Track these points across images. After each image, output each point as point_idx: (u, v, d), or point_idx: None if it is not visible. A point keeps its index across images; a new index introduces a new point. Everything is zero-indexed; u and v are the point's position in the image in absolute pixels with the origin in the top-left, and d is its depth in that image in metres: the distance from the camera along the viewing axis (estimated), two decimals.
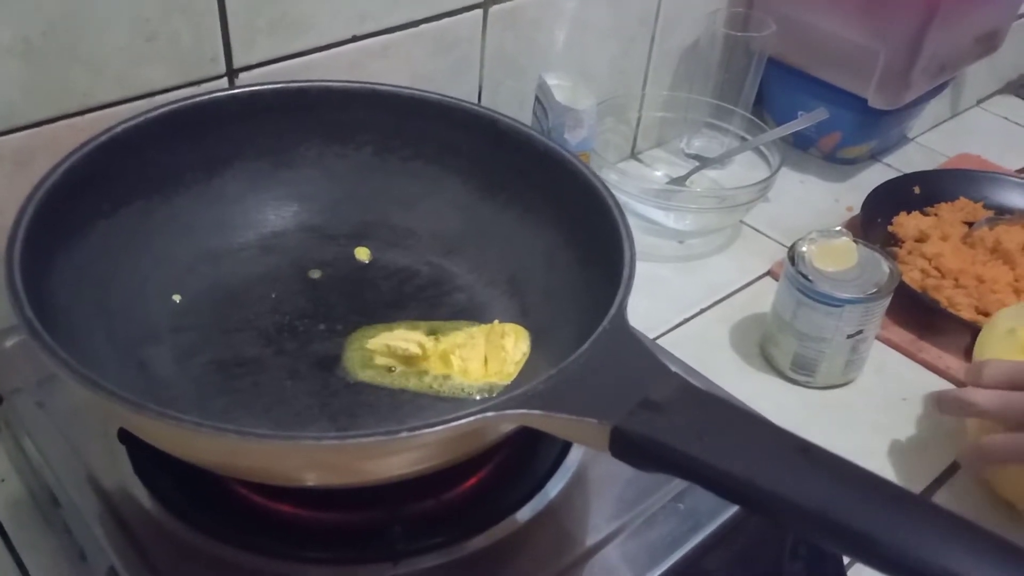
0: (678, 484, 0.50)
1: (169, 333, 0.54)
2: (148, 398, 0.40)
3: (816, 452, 0.38)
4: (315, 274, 0.60)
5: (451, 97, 0.60)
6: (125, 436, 0.49)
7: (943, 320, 0.74)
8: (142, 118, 0.53)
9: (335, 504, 0.48)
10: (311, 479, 0.44)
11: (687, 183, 0.90)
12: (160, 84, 0.60)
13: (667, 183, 0.91)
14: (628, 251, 0.48)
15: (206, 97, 0.57)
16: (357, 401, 0.52)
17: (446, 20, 0.73)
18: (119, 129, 0.52)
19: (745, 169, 0.91)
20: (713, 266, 0.83)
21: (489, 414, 0.40)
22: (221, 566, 0.45)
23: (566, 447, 0.52)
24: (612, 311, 0.45)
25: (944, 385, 0.72)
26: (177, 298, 0.56)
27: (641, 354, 0.43)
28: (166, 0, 0.57)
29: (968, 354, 0.73)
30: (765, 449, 0.38)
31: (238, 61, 0.63)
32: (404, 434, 0.39)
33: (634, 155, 0.98)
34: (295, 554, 0.46)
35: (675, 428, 0.39)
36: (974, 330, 0.73)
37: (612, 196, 0.52)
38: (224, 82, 0.63)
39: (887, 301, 0.66)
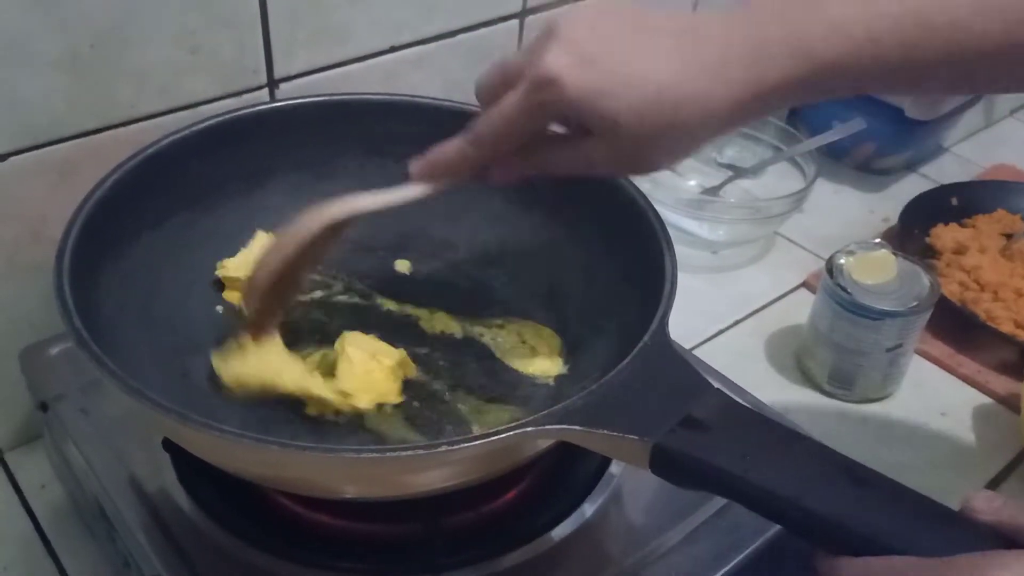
0: (719, 500, 0.49)
1: (212, 343, 0.54)
2: (190, 408, 0.40)
3: (863, 472, 0.38)
4: (356, 285, 0.60)
5: None
6: (169, 444, 0.49)
7: (982, 333, 0.74)
8: (187, 131, 0.54)
9: (375, 516, 0.48)
10: (351, 491, 0.45)
11: (720, 193, 0.90)
12: (202, 95, 0.60)
13: (700, 193, 0.90)
14: (669, 266, 0.48)
15: (250, 110, 0.57)
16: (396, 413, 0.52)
17: (483, 30, 0.73)
18: (165, 142, 0.53)
19: (778, 179, 0.90)
20: (747, 277, 0.83)
21: (528, 429, 0.40)
22: (262, 575, 0.46)
23: (604, 462, 0.52)
24: (653, 326, 0.45)
25: (984, 399, 0.71)
26: (220, 308, 0.56)
27: (683, 370, 0.43)
28: (210, 13, 0.58)
29: (1007, 368, 0.72)
30: (810, 469, 0.38)
31: (279, 72, 0.63)
32: (443, 448, 0.40)
33: None
34: (335, 565, 0.46)
35: (718, 447, 0.39)
36: (1013, 344, 0.72)
37: (653, 210, 0.52)
38: (264, 93, 0.63)
39: (927, 315, 0.66)
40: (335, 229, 0.48)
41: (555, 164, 0.46)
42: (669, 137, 0.42)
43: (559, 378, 0.55)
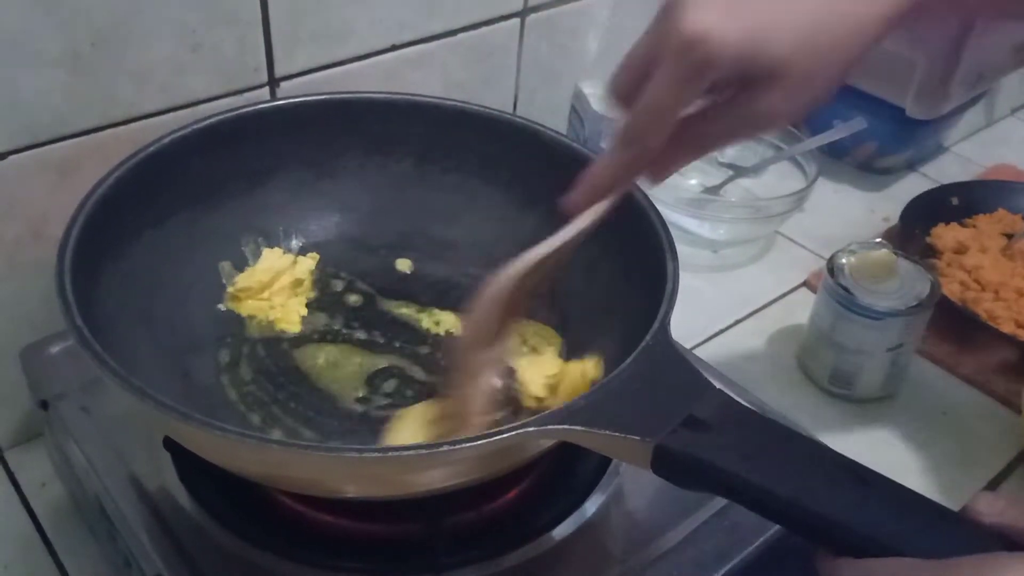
0: (720, 500, 0.49)
1: (213, 342, 0.54)
2: (191, 407, 0.40)
3: (864, 473, 0.38)
4: (357, 285, 0.60)
5: (493, 109, 0.60)
6: (170, 443, 0.49)
7: (983, 333, 0.74)
8: (189, 129, 0.54)
9: (376, 515, 0.48)
10: (353, 491, 0.45)
11: (721, 192, 0.90)
12: (203, 94, 0.60)
13: (701, 192, 0.90)
14: (671, 265, 0.48)
15: (251, 108, 0.57)
16: (399, 412, 0.52)
17: (484, 29, 0.73)
18: (166, 140, 0.53)
19: (779, 178, 0.90)
20: (747, 276, 0.83)
21: (531, 429, 0.40)
22: (264, 574, 0.46)
23: (605, 462, 0.52)
24: (655, 326, 0.45)
25: (985, 399, 0.71)
26: (222, 307, 0.56)
27: (685, 370, 0.43)
28: (211, 11, 0.58)
29: (1008, 368, 0.72)
30: (812, 470, 0.38)
31: (280, 71, 0.63)
32: (445, 448, 0.39)
33: None
34: (337, 564, 0.46)
35: (720, 447, 0.39)
36: (1014, 343, 0.72)
37: (655, 209, 0.52)
38: (265, 92, 0.63)
39: (928, 314, 0.66)
40: (524, 284, 0.46)
41: (720, 135, 0.43)
42: (831, 63, 0.40)
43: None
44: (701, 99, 0.42)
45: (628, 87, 0.41)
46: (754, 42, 0.38)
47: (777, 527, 0.48)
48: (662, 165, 0.43)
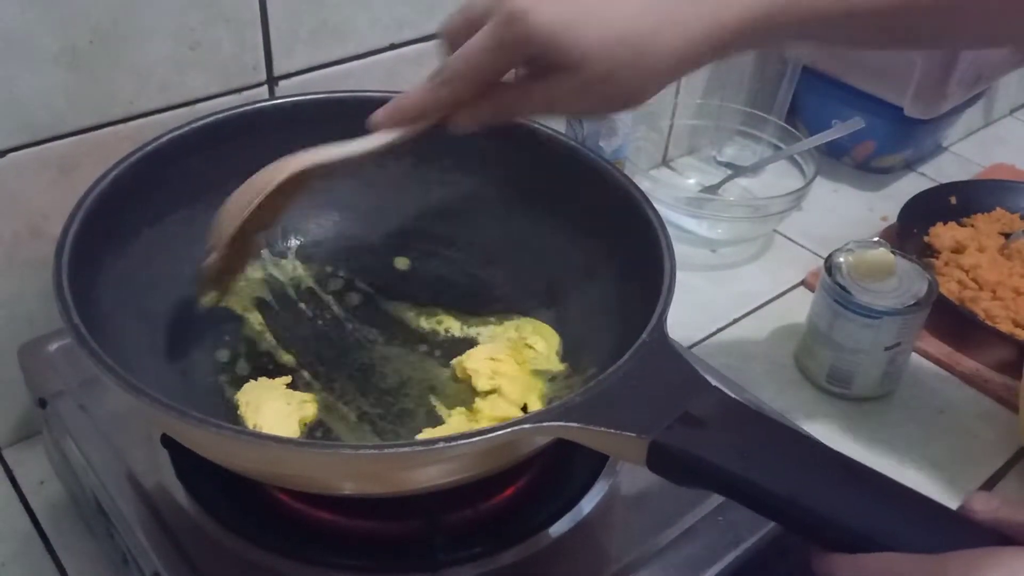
0: (717, 497, 0.49)
1: (211, 341, 0.54)
2: (189, 405, 0.40)
3: (860, 470, 0.38)
4: (356, 283, 0.60)
5: None
6: (168, 441, 0.49)
7: (981, 332, 0.74)
8: (187, 128, 0.54)
9: (374, 513, 0.48)
10: (350, 488, 0.45)
11: (719, 192, 0.90)
12: (202, 92, 0.60)
13: (700, 191, 0.90)
14: (668, 263, 0.48)
15: (249, 107, 0.57)
16: (394, 411, 0.52)
17: None
18: (165, 139, 0.53)
19: (777, 178, 0.91)
20: (746, 275, 0.83)
21: (526, 426, 0.40)
22: (262, 572, 0.46)
23: (602, 459, 0.52)
24: (652, 323, 0.45)
25: (982, 398, 0.71)
26: (221, 305, 0.56)
27: (681, 368, 0.43)
28: (210, 9, 0.58)
29: (1005, 366, 0.72)
30: (808, 467, 0.38)
31: (278, 69, 0.63)
32: (441, 445, 0.40)
33: (665, 163, 0.98)
34: (334, 562, 0.46)
35: (715, 444, 0.39)
36: (1012, 342, 0.72)
37: (653, 208, 0.52)
38: (264, 90, 0.63)
39: (926, 313, 0.66)
40: (296, 183, 0.48)
41: (519, 105, 0.46)
42: (634, 72, 0.43)
43: (557, 376, 0.55)
44: (521, 69, 0.46)
45: (455, 34, 0.45)
46: (560, 33, 0.42)
47: (773, 524, 0.48)
48: (467, 116, 0.47)
